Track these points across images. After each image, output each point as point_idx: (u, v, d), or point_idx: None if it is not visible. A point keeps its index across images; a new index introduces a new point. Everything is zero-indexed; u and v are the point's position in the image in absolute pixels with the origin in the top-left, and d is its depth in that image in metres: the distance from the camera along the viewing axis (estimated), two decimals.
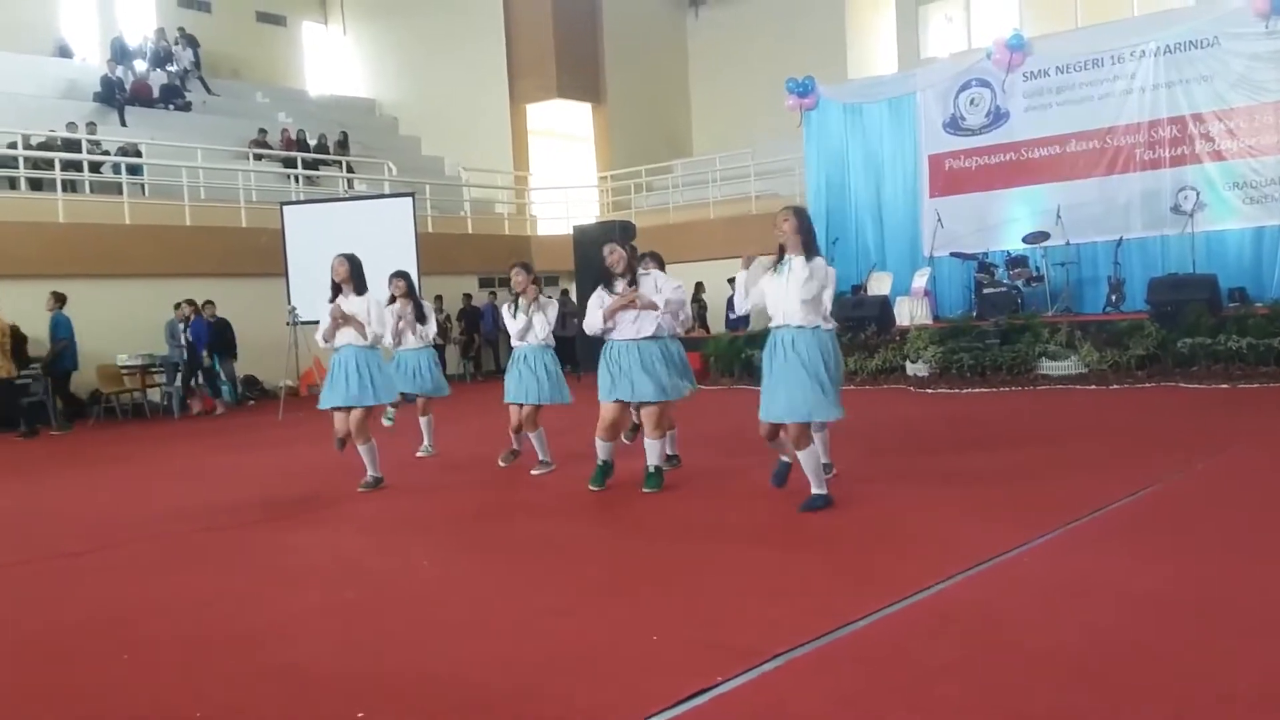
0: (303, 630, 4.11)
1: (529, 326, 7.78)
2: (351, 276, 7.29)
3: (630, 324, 6.68)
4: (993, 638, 3.57)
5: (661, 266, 7.43)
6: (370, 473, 7.41)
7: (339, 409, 7.28)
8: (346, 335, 7.28)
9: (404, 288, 8.88)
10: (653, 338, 6.69)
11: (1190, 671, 3.18)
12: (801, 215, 5.86)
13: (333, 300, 7.31)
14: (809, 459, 5.80)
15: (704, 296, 19.39)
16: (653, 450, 6.71)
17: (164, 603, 4.64)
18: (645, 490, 6.57)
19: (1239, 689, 3.02)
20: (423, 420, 9.23)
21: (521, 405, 7.78)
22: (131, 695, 3.48)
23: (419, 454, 9.06)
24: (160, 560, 5.60)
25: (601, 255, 6.77)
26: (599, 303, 6.72)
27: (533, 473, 7.71)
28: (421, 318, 9.04)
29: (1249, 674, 3.12)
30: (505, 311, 8.02)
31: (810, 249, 5.78)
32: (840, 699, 3.11)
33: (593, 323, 6.73)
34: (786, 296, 5.73)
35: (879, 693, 3.14)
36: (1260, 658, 3.25)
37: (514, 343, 7.90)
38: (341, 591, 4.68)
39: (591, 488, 6.76)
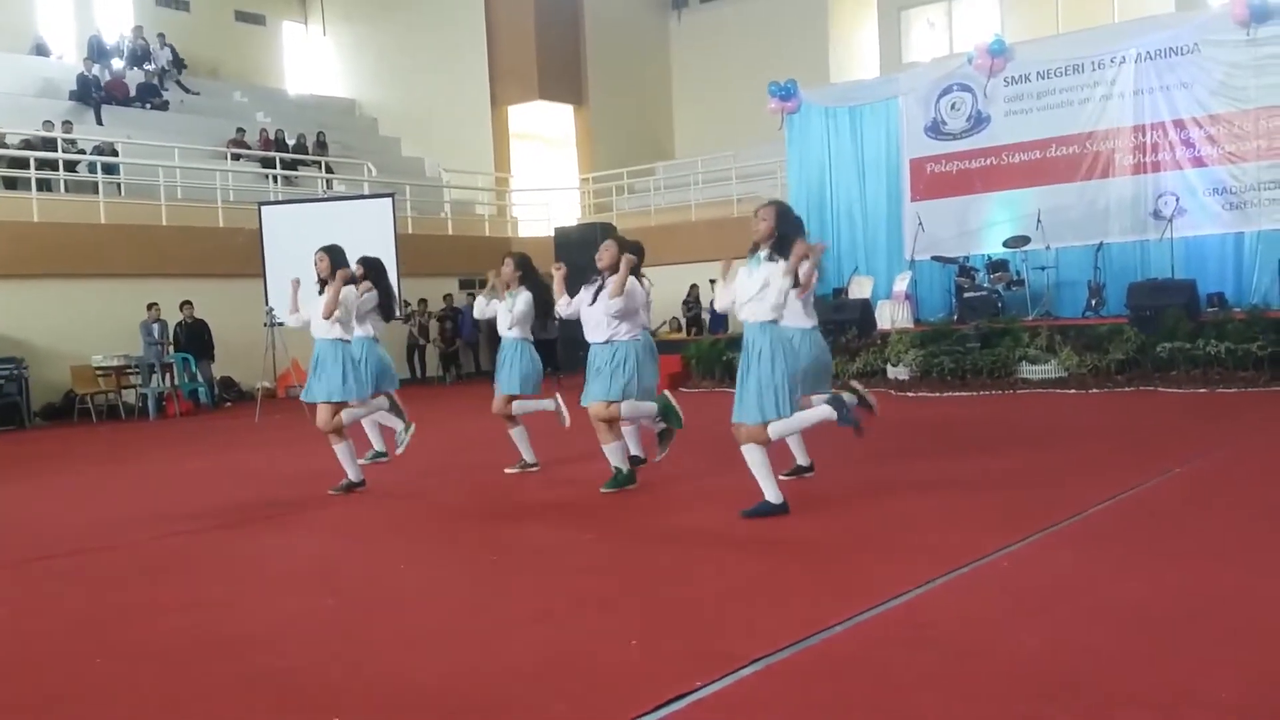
0: (280, 636, 4.05)
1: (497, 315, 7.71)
2: (334, 269, 7.23)
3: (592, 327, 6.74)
4: (969, 644, 3.54)
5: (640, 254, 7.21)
6: (350, 476, 7.29)
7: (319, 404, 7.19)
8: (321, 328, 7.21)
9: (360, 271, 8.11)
10: (606, 341, 6.70)
11: (1171, 679, 3.16)
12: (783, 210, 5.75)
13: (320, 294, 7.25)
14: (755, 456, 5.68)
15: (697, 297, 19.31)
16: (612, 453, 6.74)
17: (139, 608, 4.57)
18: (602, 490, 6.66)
19: (1220, 697, 2.99)
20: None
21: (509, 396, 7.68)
22: (105, 701, 3.43)
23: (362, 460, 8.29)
24: (136, 565, 5.52)
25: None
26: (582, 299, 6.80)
27: (506, 470, 7.71)
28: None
29: (1230, 682, 3.10)
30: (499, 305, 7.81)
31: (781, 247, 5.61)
32: (817, 706, 3.08)
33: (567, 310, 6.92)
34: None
35: (855, 700, 3.10)
36: (1241, 665, 3.23)
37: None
38: (320, 597, 4.62)
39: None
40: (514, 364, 7.65)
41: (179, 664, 3.75)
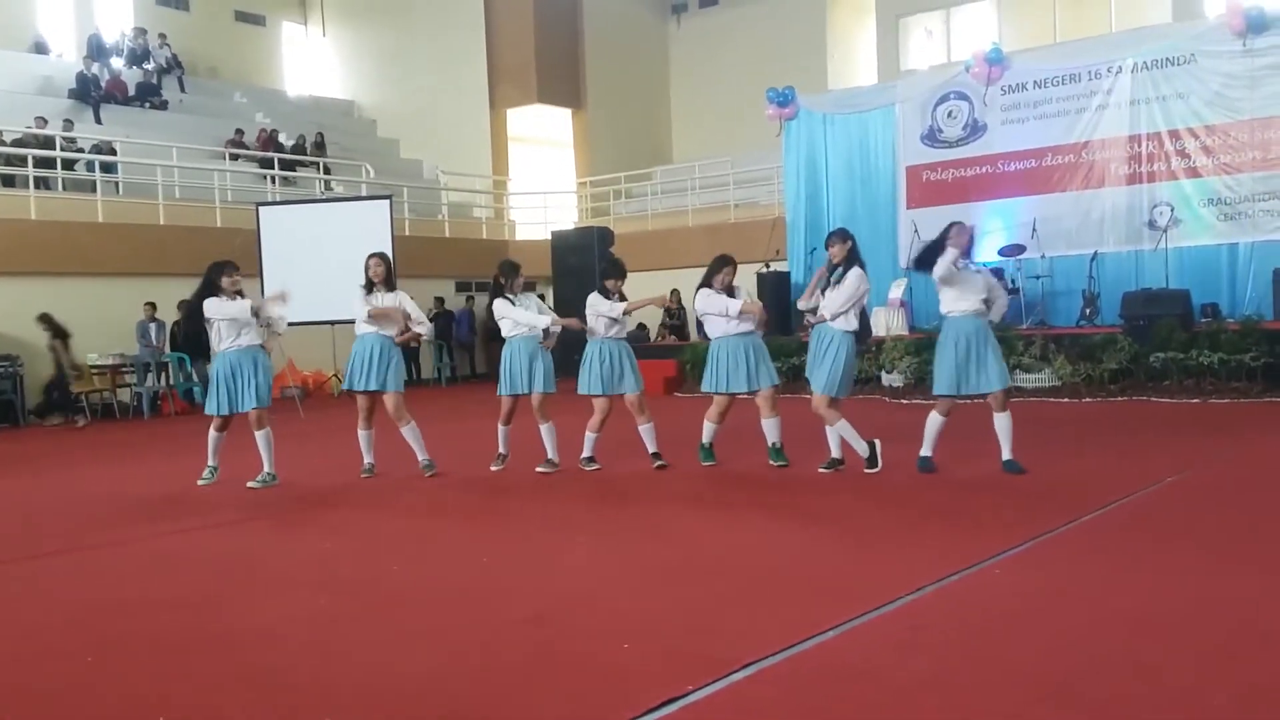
0: (274, 635, 4.06)
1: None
2: (387, 275, 7.96)
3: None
4: (963, 649, 3.56)
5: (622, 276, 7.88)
6: (422, 458, 7.96)
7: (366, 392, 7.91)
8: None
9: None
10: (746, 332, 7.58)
11: (1163, 684, 3.18)
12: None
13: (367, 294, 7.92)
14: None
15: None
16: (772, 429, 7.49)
17: (133, 605, 4.58)
18: (773, 464, 7.42)
19: (1214, 701, 3.02)
20: (259, 435, 7.90)
21: (516, 397, 7.88)
22: (97, 696, 3.44)
23: (251, 484, 7.77)
24: (129, 562, 5.53)
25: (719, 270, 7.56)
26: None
27: (538, 469, 7.82)
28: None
29: (1224, 687, 3.12)
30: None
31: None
32: (810, 710, 3.10)
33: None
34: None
35: (849, 704, 3.12)
36: (1234, 670, 3.26)
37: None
38: (313, 596, 4.63)
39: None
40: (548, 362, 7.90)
41: (171, 659, 3.76)
